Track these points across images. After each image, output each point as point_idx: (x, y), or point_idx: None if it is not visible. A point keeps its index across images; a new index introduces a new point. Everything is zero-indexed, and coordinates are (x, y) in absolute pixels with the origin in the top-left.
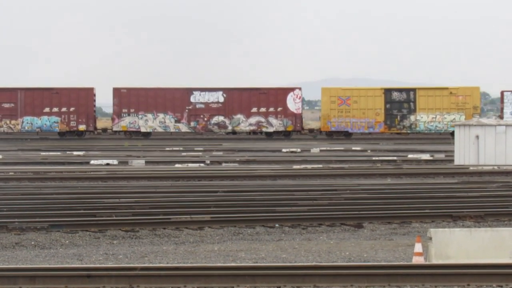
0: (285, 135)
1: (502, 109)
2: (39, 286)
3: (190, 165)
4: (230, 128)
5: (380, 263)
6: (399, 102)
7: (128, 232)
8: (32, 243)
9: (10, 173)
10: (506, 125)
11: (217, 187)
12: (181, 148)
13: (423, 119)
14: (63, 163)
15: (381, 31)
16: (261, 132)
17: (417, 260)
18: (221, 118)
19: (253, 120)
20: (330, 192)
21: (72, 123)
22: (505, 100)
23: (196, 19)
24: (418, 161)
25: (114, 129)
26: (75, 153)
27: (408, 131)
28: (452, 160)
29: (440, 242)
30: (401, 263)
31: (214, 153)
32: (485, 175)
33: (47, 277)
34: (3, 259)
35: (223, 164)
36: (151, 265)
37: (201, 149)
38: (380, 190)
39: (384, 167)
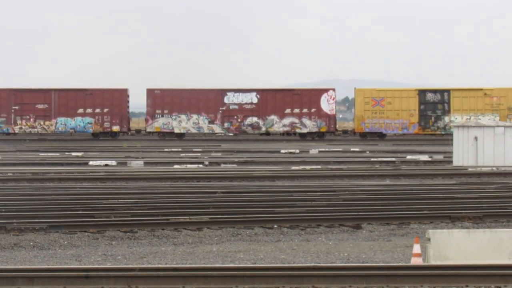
0: (318, 136)
1: None
2: (37, 286)
3: (189, 166)
4: (263, 129)
5: (378, 264)
6: (433, 103)
7: (126, 233)
8: (31, 243)
9: (9, 174)
10: (505, 126)
11: (216, 188)
12: (179, 149)
13: (457, 120)
14: (61, 164)
15: (380, 32)
16: (294, 133)
17: (416, 261)
18: (254, 119)
19: (286, 121)
20: (328, 193)
21: (106, 124)
22: None
23: (199, 22)
24: (417, 162)
25: (148, 130)
26: (73, 154)
27: (442, 132)
28: (451, 161)
29: (438, 243)
30: (400, 264)
31: (213, 154)
32: (483, 176)
33: (45, 278)
34: (1, 260)
35: (222, 165)
36: (149, 265)
37: (200, 150)
38: (379, 191)
39: (383, 168)
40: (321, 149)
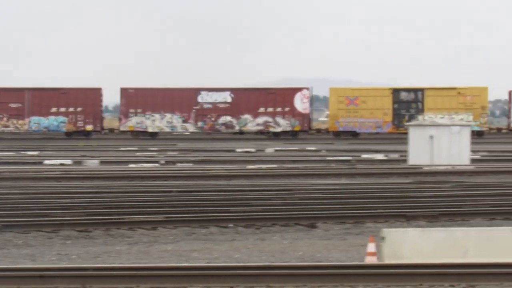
0: (292, 135)
1: (510, 109)
2: None
3: (145, 165)
4: (237, 128)
5: (333, 263)
6: (407, 102)
7: (81, 232)
8: None
9: None
10: (461, 125)
11: (171, 187)
12: (135, 148)
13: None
14: (16, 163)
15: (337, 31)
16: (268, 132)
17: (370, 260)
18: (228, 118)
19: (260, 120)
20: (284, 192)
21: (80, 123)
22: None
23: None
24: (372, 161)
25: (121, 129)
26: (29, 153)
27: None
28: (406, 160)
29: (393, 242)
30: (354, 263)
31: (169, 153)
32: (438, 175)
33: None
34: None
35: (178, 164)
36: (104, 265)
37: (156, 149)
38: (334, 190)
39: (338, 167)
40: (277, 148)
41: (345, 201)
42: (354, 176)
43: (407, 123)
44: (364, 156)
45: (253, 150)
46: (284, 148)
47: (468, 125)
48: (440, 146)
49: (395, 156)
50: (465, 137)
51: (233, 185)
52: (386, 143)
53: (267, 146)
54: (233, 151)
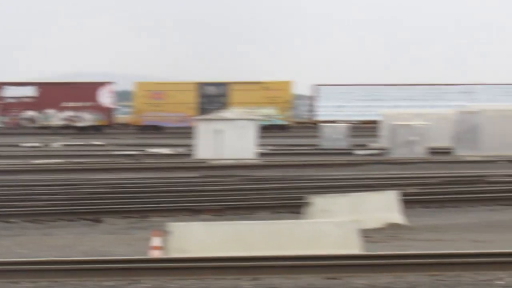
0: (97, 129)
1: (313, 103)
2: None
3: None
4: (42, 122)
5: (116, 258)
6: (212, 96)
7: None
8: None
9: None
10: (247, 120)
11: None
12: None
13: None
14: None
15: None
16: (73, 127)
17: (155, 254)
18: (33, 112)
19: (65, 114)
20: (70, 186)
21: None
22: (317, 94)
23: None
24: (159, 155)
25: None
26: None
27: None
28: (194, 154)
29: (179, 236)
30: (138, 257)
31: None
32: (225, 169)
33: None
34: None
35: None
36: None
37: None
38: (120, 184)
39: (124, 161)
40: (64, 143)
41: (130, 196)
42: (140, 171)
43: (195, 117)
44: (151, 150)
45: (39, 144)
46: (72, 143)
47: (254, 120)
48: (227, 140)
49: (182, 150)
50: (252, 131)
51: (18, 180)
52: (188, 137)
53: (55, 141)
54: (20, 145)
